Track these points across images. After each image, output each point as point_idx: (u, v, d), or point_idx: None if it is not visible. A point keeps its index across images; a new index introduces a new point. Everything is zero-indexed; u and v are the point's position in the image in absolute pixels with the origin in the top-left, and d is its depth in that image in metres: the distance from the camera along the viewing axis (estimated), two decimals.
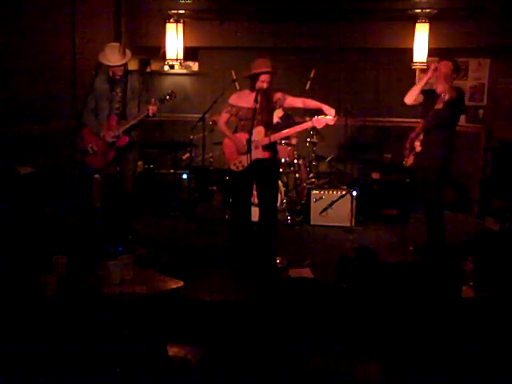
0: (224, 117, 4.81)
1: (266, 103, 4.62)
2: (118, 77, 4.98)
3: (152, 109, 4.87)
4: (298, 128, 4.76)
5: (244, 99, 4.68)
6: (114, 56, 4.90)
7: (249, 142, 4.50)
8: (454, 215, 6.24)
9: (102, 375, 2.97)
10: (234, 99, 4.77)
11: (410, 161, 5.06)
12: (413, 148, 5.01)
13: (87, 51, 6.05)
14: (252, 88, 4.63)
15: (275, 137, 4.70)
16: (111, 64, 4.89)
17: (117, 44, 5.08)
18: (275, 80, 4.69)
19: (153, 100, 4.90)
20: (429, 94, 4.99)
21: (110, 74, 4.97)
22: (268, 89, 4.60)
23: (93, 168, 5.08)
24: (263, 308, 3.87)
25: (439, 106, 4.82)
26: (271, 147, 4.75)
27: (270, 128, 4.72)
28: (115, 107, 4.98)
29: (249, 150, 4.52)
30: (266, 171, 4.74)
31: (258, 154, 4.65)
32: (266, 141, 4.66)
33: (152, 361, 3.16)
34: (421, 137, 4.96)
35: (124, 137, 4.95)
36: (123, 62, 4.97)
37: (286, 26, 7.20)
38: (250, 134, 4.51)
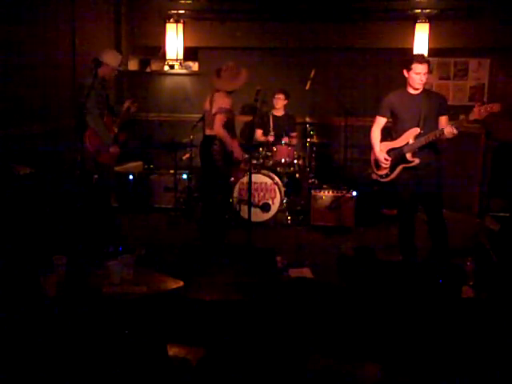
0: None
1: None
2: (108, 78, 5.28)
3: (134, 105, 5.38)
4: None
5: None
6: (118, 59, 5.23)
7: None
8: (454, 215, 6.23)
9: (102, 375, 2.97)
10: None
11: (394, 175, 4.51)
12: (406, 161, 4.40)
13: (87, 52, 6.04)
14: None
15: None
16: (116, 66, 5.21)
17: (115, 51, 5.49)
18: (276, 80, 4.70)
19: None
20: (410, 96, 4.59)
21: (104, 76, 5.16)
22: None
23: (106, 164, 5.20)
24: (263, 308, 3.87)
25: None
26: None
27: None
28: (107, 108, 5.25)
29: None
30: None
31: None
32: None
33: (152, 361, 3.16)
34: (416, 149, 4.35)
35: (122, 133, 5.24)
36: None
37: (286, 26, 7.20)
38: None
